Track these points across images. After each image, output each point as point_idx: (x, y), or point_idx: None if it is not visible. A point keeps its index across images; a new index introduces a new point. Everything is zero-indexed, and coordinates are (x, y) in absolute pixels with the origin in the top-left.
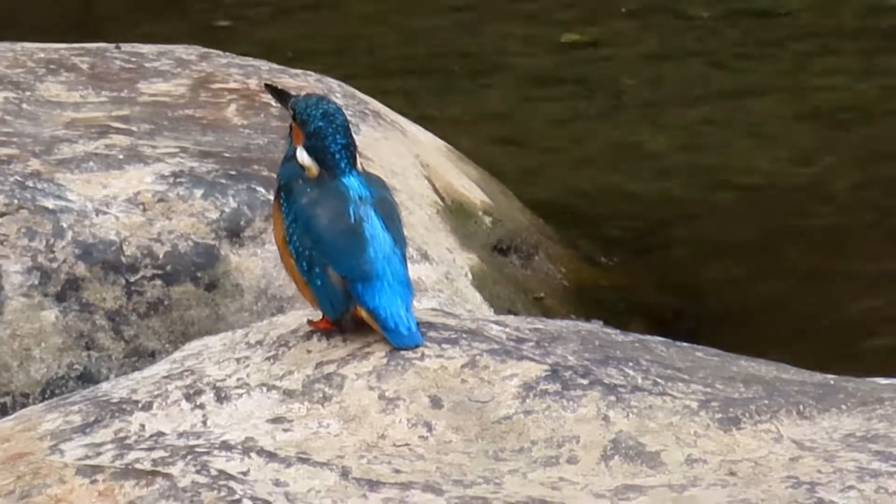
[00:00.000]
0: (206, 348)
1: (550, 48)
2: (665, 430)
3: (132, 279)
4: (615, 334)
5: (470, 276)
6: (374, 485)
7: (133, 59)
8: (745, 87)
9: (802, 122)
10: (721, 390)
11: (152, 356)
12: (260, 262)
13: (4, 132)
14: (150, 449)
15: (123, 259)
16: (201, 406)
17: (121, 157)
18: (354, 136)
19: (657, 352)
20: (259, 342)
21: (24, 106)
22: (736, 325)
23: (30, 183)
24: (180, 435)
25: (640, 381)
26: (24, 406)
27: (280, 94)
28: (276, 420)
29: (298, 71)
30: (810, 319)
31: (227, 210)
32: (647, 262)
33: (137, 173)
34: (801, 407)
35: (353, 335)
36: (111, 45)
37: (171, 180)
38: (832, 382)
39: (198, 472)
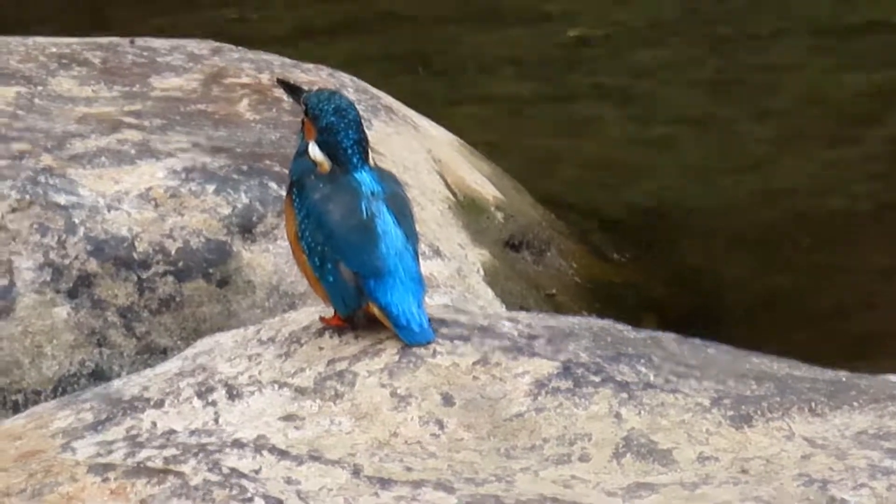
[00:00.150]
0: (218, 345)
1: (558, 43)
2: (677, 428)
3: (144, 276)
4: (627, 331)
5: (482, 272)
6: (385, 483)
7: (145, 54)
8: (755, 83)
9: (813, 117)
10: (733, 387)
11: (164, 353)
12: (272, 259)
13: (17, 127)
14: (162, 447)
15: (135, 255)
16: (213, 403)
17: (133, 152)
18: (366, 131)
19: (669, 349)
20: (271, 339)
21: (37, 101)
22: (748, 321)
23: (42, 178)
24: (192, 433)
25: (652, 378)
26: (35, 403)
27: (292, 89)
28: (288, 418)
29: (311, 65)
30: (823, 316)
31: (239, 206)
32: (659, 259)
33: (149, 168)
34: (812, 404)
35: (364, 332)
36: (124, 40)
37: (183, 175)
38: (844, 379)
39: (209, 470)
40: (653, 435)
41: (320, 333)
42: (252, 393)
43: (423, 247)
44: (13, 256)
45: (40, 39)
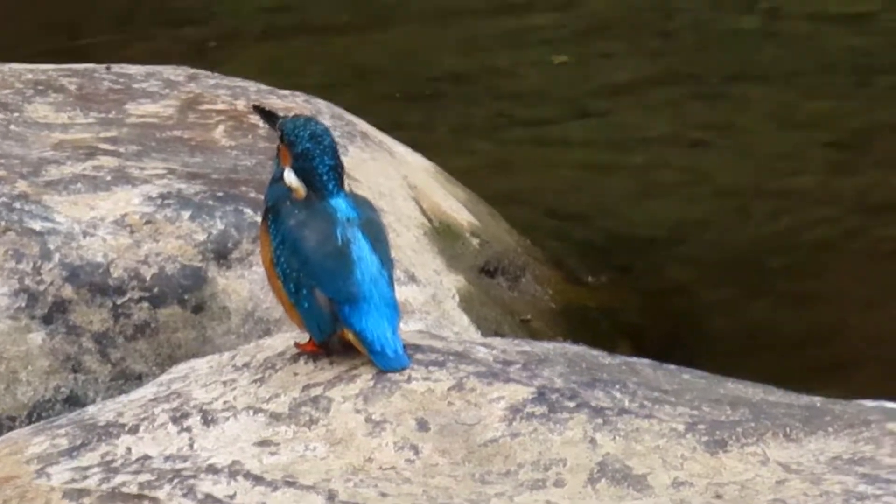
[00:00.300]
0: (193, 371)
1: (539, 70)
2: (652, 453)
3: (119, 301)
4: (602, 356)
5: (457, 298)
6: None
7: (121, 80)
8: (733, 107)
9: (793, 143)
10: (708, 413)
11: (139, 379)
12: (247, 285)
13: None
14: (137, 472)
15: (110, 281)
16: (188, 429)
17: (108, 178)
18: (342, 157)
19: (644, 374)
20: (246, 365)
21: (12, 127)
22: (723, 346)
23: (17, 205)
24: (167, 458)
25: (627, 403)
26: (10, 429)
27: (268, 115)
28: (263, 443)
29: (286, 92)
30: (797, 341)
31: (214, 232)
32: (634, 284)
33: (125, 195)
34: (787, 429)
35: (339, 358)
36: (99, 66)
37: (158, 202)
38: (819, 405)
39: (184, 495)
40: (628, 460)
41: (295, 359)
42: (227, 418)
43: (398, 272)
44: None
45: (16, 66)
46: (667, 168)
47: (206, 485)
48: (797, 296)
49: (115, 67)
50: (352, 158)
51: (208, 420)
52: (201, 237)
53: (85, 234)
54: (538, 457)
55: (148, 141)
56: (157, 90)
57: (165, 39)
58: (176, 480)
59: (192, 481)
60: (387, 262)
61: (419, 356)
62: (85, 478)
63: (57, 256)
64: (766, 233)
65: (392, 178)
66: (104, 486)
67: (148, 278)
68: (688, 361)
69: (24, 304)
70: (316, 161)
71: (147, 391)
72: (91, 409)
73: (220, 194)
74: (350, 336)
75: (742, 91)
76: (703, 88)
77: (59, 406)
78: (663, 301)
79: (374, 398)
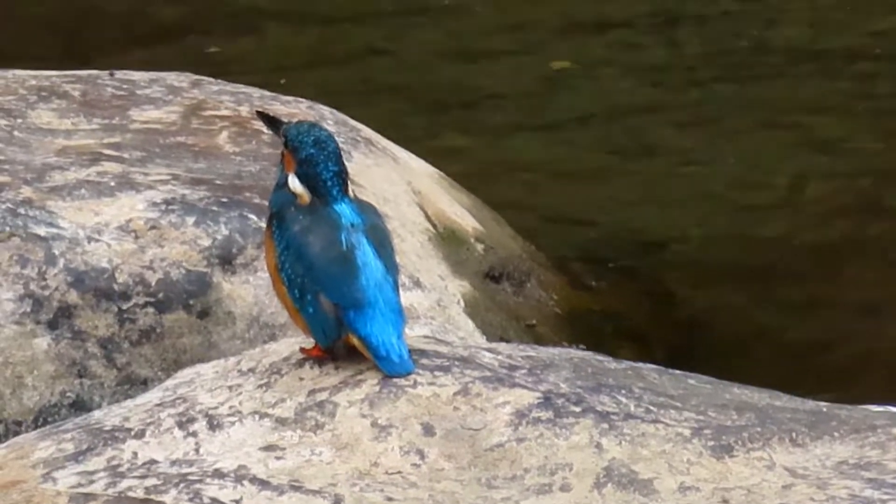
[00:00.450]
0: (199, 376)
1: (540, 75)
2: (658, 458)
3: (124, 307)
4: (607, 361)
5: (462, 303)
6: None
7: (125, 87)
8: (738, 112)
9: (798, 146)
10: (714, 418)
11: (145, 384)
12: (252, 290)
13: None
14: (143, 477)
15: (115, 286)
16: (194, 434)
17: (112, 184)
18: (346, 162)
19: (650, 379)
20: (251, 370)
21: (16, 133)
22: (728, 351)
23: (21, 210)
24: (173, 463)
25: (632, 408)
26: (16, 434)
27: (272, 121)
28: (269, 448)
29: (290, 98)
30: (803, 346)
31: (218, 237)
32: (639, 289)
33: (129, 200)
34: (793, 434)
35: (345, 363)
36: (103, 73)
37: (162, 207)
38: (825, 410)
39: (190, 500)
40: (634, 465)
41: (300, 364)
42: (233, 423)
43: (403, 278)
44: None
45: (20, 72)
46: (671, 173)
47: (212, 489)
48: (803, 301)
49: (119, 73)
50: (356, 164)
51: (214, 425)
52: (206, 243)
53: (90, 239)
54: (544, 461)
55: (152, 147)
56: (160, 96)
57: (166, 45)
58: (182, 485)
59: (198, 486)
60: (392, 268)
61: (424, 361)
62: (91, 482)
63: (62, 262)
64: (771, 238)
65: (396, 184)
66: (110, 491)
67: (153, 283)
68: (693, 366)
69: (29, 310)
70: (320, 167)
71: (153, 396)
72: (97, 413)
73: (225, 200)
74: (355, 341)
75: (746, 96)
76: (707, 93)
77: (64, 411)
78: (669, 306)
79: (379, 403)
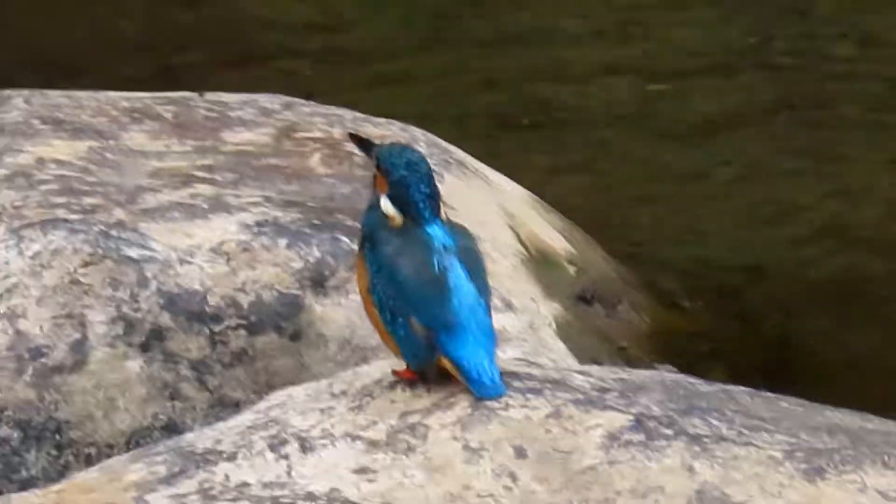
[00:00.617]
0: (291, 398)
1: (635, 97)
2: (750, 481)
3: (216, 329)
4: (699, 384)
5: (554, 325)
6: None
7: (216, 108)
8: (832, 136)
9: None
10: (805, 440)
11: (236, 406)
12: (344, 312)
13: (88, 181)
14: (235, 500)
15: (207, 309)
16: (286, 456)
17: (205, 206)
18: (438, 185)
19: (741, 401)
20: (343, 392)
21: (108, 155)
22: (820, 373)
23: (114, 232)
24: (265, 485)
25: (724, 431)
26: (108, 457)
27: (363, 143)
28: (361, 470)
29: (382, 119)
30: (895, 369)
31: (310, 260)
32: (732, 311)
33: (221, 223)
34: (886, 457)
35: (436, 385)
36: (194, 94)
37: (255, 230)
38: None
39: None
40: (726, 488)
41: (392, 387)
42: (325, 446)
43: (495, 300)
44: (85, 310)
45: (112, 94)
46: (764, 195)
47: None
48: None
49: (210, 95)
50: (448, 186)
51: (306, 447)
52: (298, 265)
53: (182, 261)
54: (636, 484)
55: (244, 169)
56: (252, 118)
57: (259, 66)
58: None
59: None
60: (484, 291)
61: (516, 384)
62: None
63: (154, 284)
64: (865, 259)
65: (488, 206)
66: None
67: (245, 306)
68: (785, 388)
69: (121, 332)
70: (412, 189)
71: (245, 418)
72: (189, 436)
73: (317, 222)
74: (447, 364)
75: (840, 120)
76: (801, 117)
77: (156, 433)
78: (760, 327)
79: (471, 426)
